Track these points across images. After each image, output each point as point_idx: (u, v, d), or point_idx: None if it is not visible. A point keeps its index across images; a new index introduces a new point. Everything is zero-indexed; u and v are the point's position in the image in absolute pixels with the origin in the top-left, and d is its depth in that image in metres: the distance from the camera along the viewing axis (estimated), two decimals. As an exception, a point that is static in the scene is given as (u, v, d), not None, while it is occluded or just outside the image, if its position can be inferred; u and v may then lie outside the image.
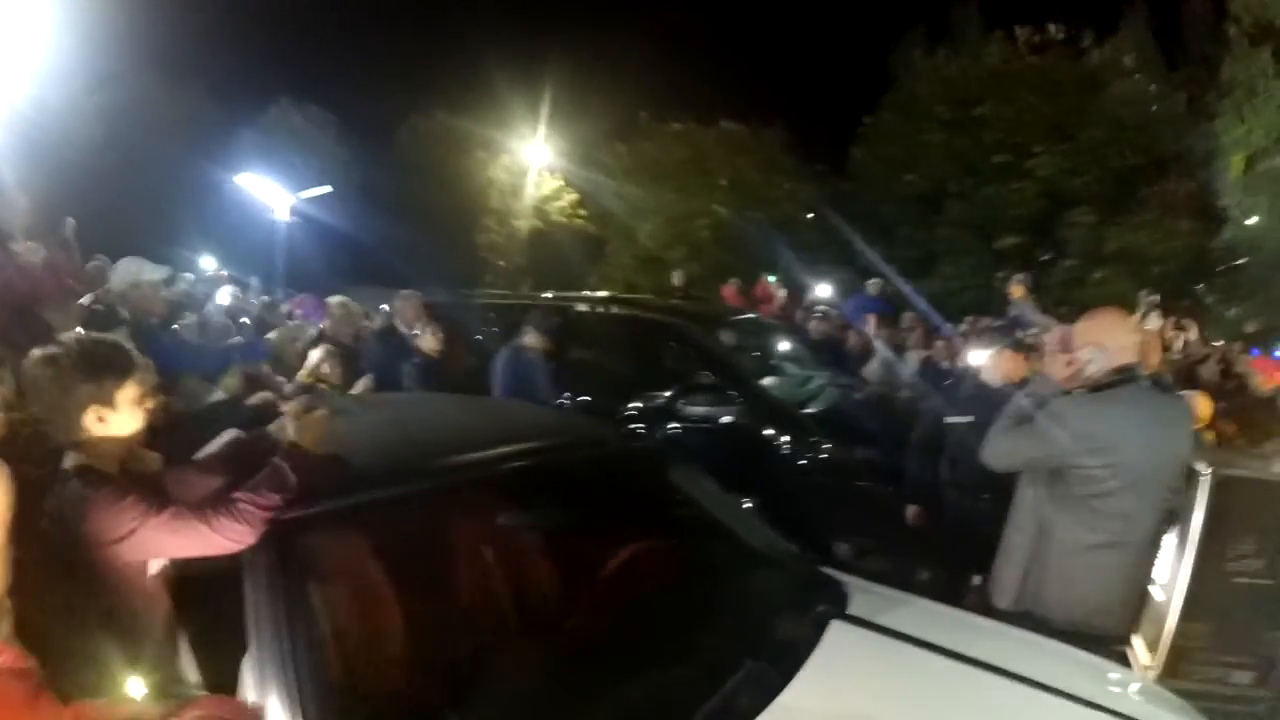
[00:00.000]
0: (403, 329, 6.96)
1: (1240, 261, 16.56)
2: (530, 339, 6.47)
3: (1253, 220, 16.50)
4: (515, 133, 25.58)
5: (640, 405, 6.53)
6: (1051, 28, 21.69)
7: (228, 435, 2.77)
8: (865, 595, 3.13)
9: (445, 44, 27.50)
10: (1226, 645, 3.98)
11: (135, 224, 19.57)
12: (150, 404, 2.37)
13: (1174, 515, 3.62)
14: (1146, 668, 3.84)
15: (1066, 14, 21.46)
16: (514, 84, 24.96)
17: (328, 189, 22.91)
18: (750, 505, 5.71)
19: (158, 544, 2.21)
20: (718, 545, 3.42)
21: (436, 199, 28.51)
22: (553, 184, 27.45)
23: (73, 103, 19.95)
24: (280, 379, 6.05)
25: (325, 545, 2.67)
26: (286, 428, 2.54)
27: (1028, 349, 4.70)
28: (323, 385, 6.04)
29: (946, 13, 23.49)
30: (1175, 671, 3.93)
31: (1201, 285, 16.30)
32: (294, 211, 22.17)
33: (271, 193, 21.99)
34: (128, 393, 2.29)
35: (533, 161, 26.20)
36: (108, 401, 2.25)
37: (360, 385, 5.94)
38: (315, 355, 6.13)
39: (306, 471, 2.42)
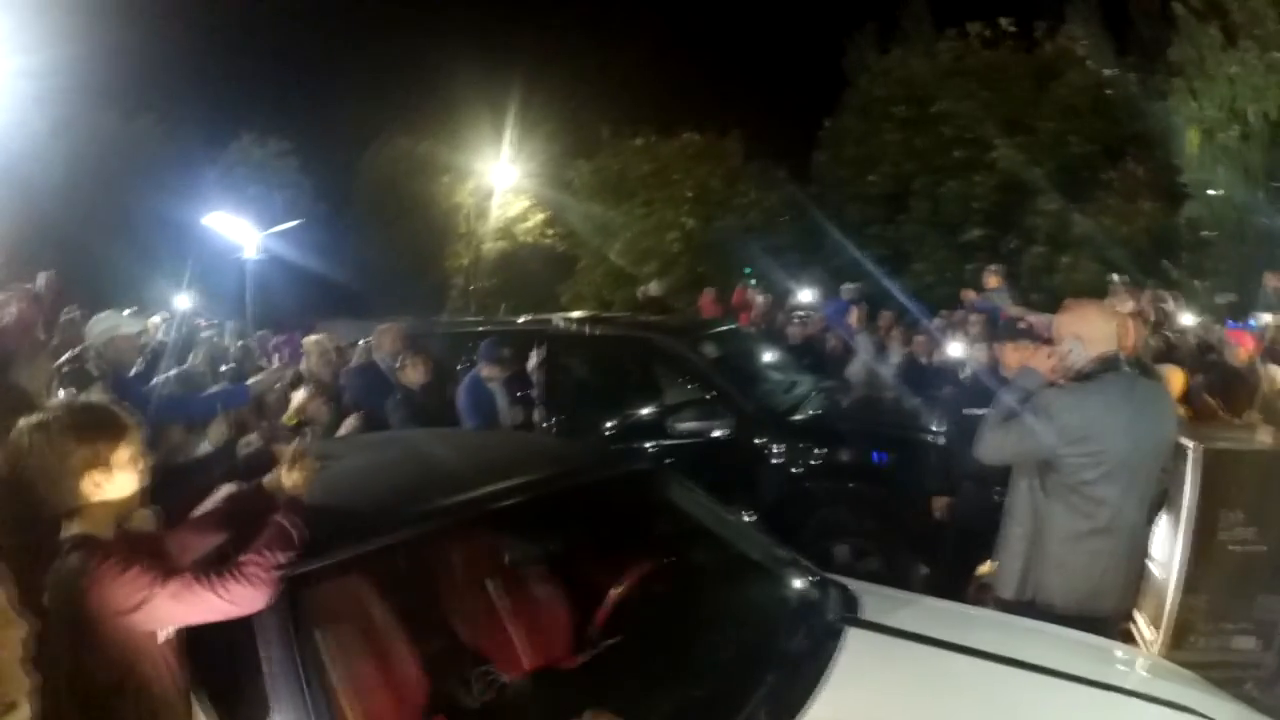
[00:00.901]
0: (382, 362, 6.91)
1: (1205, 234, 16.76)
2: (485, 370, 6.47)
3: (1211, 193, 16.73)
4: (480, 155, 25.50)
5: (628, 424, 6.52)
6: (1002, 21, 21.91)
7: (224, 491, 2.70)
8: (874, 598, 3.16)
9: (405, 69, 27.56)
10: (1227, 614, 4.05)
11: (101, 269, 19.46)
12: (143, 464, 2.32)
13: (1165, 493, 3.69)
14: (1150, 643, 3.89)
15: (1016, 6, 21.70)
16: (476, 106, 24.95)
17: (297, 222, 22.76)
18: (751, 518, 5.77)
19: (168, 613, 2.14)
20: (724, 561, 3.43)
21: (404, 226, 28.48)
22: (520, 204, 27.43)
23: (34, 148, 19.75)
24: (265, 423, 6.03)
25: (336, 597, 2.66)
26: (280, 479, 2.51)
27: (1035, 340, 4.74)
28: (309, 427, 6.04)
29: (896, 12, 23.71)
30: (1179, 644, 3.99)
31: (1168, 262, 16.44)
32: (262, 248, 22.02)
33: (238, 230, 21.84)
34: (122, 454, 2.23)
35: (499, 183, 26.16)
36: (104, 465, 2.19)
37: (347, 425, 5.91)
38: (299, 396, 6.10)
39: (310, 524, 2.38)
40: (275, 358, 9.82)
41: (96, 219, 22.33)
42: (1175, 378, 4.91)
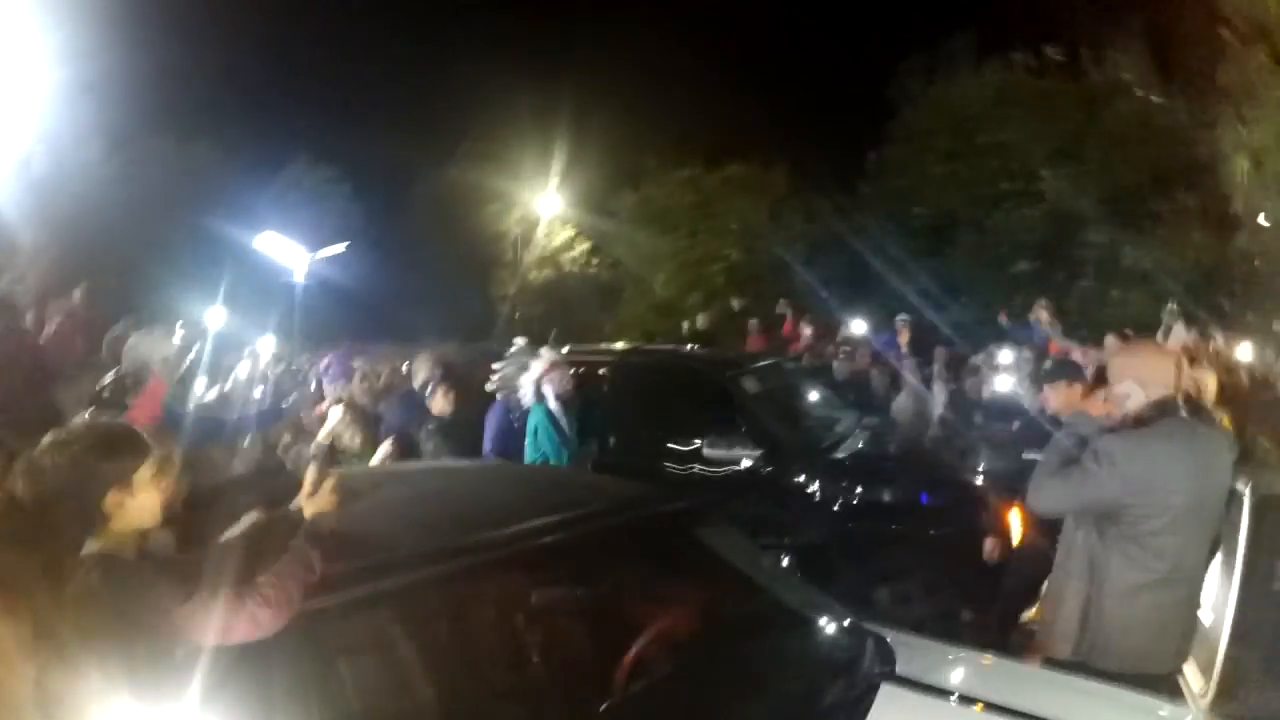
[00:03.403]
0: (419, 389, 6.90)
1: (1257, 264, 16.44)
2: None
3: (1263, 222, 16.43)
4: (527, 184, 25.64)
5: (667, 458, 6.45)
6: (1048, 50, 21.69)
7: (249, 518, 2.66)
8: (913, 651, 3.02)
9: (456, 98, 27.57)
10: None
11: (153, 288, 19.71)
12: (167, 483, 2.32)
13: (1218, 540, 3.53)
14: (1199, 695, 3.73)
15: (1062, 35, 21.45)
16: (523, 135, 25.03)
17: (344, 245, 22.97)
18: (787, 561, 5.67)
19: (182, 633, 2.13)
20: (758, 608, 3.31)
21: (451, 252, 28.62)
22: (566, 233, 27.53)
23: (89, 166, 20.13)
24: (296, 447, 6.05)
25: (357, 633, 2.60)
26: (303, 505, 2.49)
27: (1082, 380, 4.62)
28: (342, 449, 6.04)
29: (942, 43, 23.57)
30: (1230, 696, 3.81)
31: (1220, 295, 16.10)
32: (311, 271, 22.27)
33: (289, 253, 22.11)
34: (144, 474, 2.25)
35: (545, 212, 26.27)
36: (126, 485, 2.21)
37: (382, 451, 5.90)
38: (333, 417, 6.11)
39: (330, 554, 2.35)
40: (322, 379, 9.83)
41: (148, 240, 22.66)
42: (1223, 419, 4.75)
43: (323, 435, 6.09)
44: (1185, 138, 18.34)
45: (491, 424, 6.23)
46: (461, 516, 3.09)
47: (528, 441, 5.89)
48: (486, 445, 6.18)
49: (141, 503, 2.25)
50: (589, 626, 3.20)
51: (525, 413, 6.05)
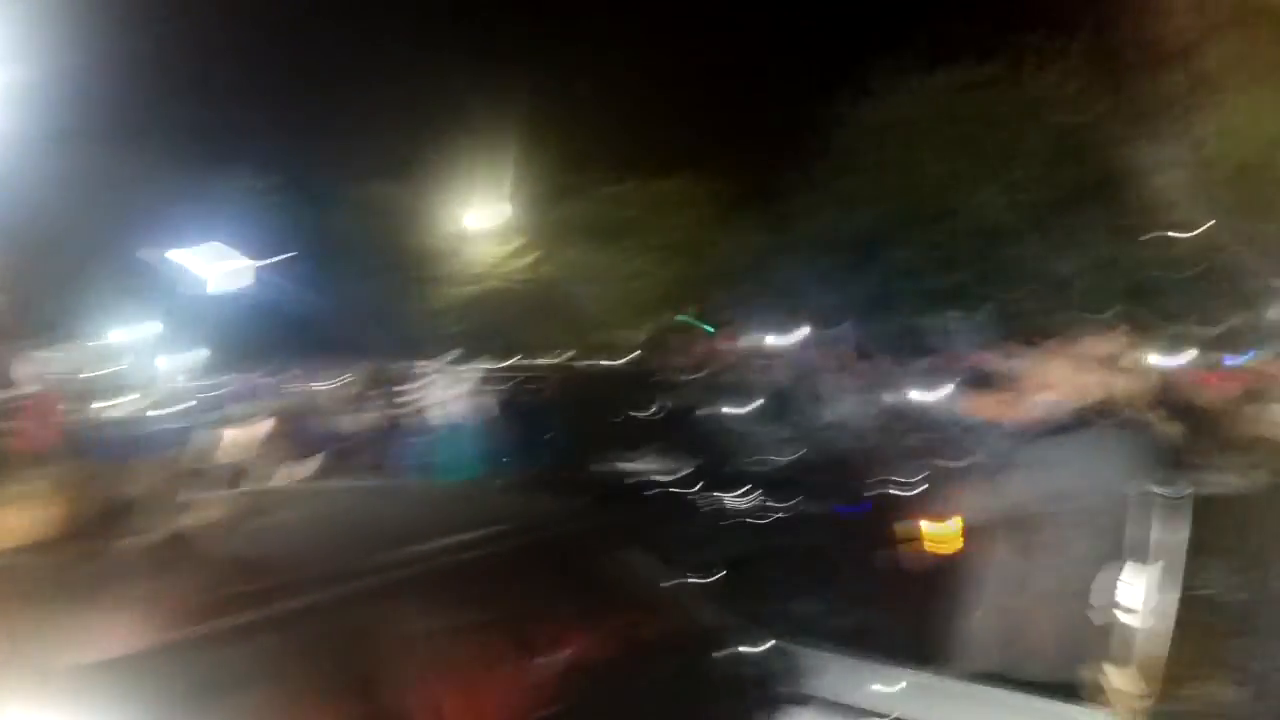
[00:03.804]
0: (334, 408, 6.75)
1: (1173, 277, 16.95)
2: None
3: (1179, 236, 16.98)
4: (465, 196, 25.49)
5: (593, 471, 6.33)
6: (979, 69, 22.09)
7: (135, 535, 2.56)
8: (828, 667, 2.93)
9: (393, 110, 27.26)
10: (1210, 663, 3.92)
11: (83, 298, 19.11)
12: (43, 502, 2.24)
13: (1137, 543, 3.50)
14: (1129, 695, 3.71)
15: (995, 52, 21.87)
16: (461, 149, 24.88)
17: (273, 259, 22.52)
18: (704, 579, 5.57)
19: (56, 648, 1.99)
20: (667, 629, 3.19)
21: (389, 265, 28.19)
22: (501, 248, 27.34)
23: (22, 170, 19.40)
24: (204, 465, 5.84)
25: (245, 660, 2.44)
26: (191, 521, 2.37)
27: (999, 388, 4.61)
28: (252, 468, 5.85)
29: (873, 61, 23.89)
30: (1162, 695, 3.83)
31: (1152, 302, 16.53)
32: (239, 284, 21.77)
33: (212, 265, 21.59)
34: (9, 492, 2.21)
35: (481, 225, 26.10)
36: None
37: (305, 468, 5.74)
38: (249, 434, 5.94)
39: (218, 577, 2.24)
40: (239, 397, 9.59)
41: (80, 245, 21.93)
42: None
43: (228, 453, 5.88)
44: (1107, 153, 18.81)
45: (408, 442, 6.10)
46: (360, 537, 2.96)
47: (440, 460, 5.72)
48: (403, 463, 6.03)
49: (7, 521, 2.17)
50: (492, 652, 3.06)
51: (439, 431, 5.91)
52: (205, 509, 2.47)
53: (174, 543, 2.29)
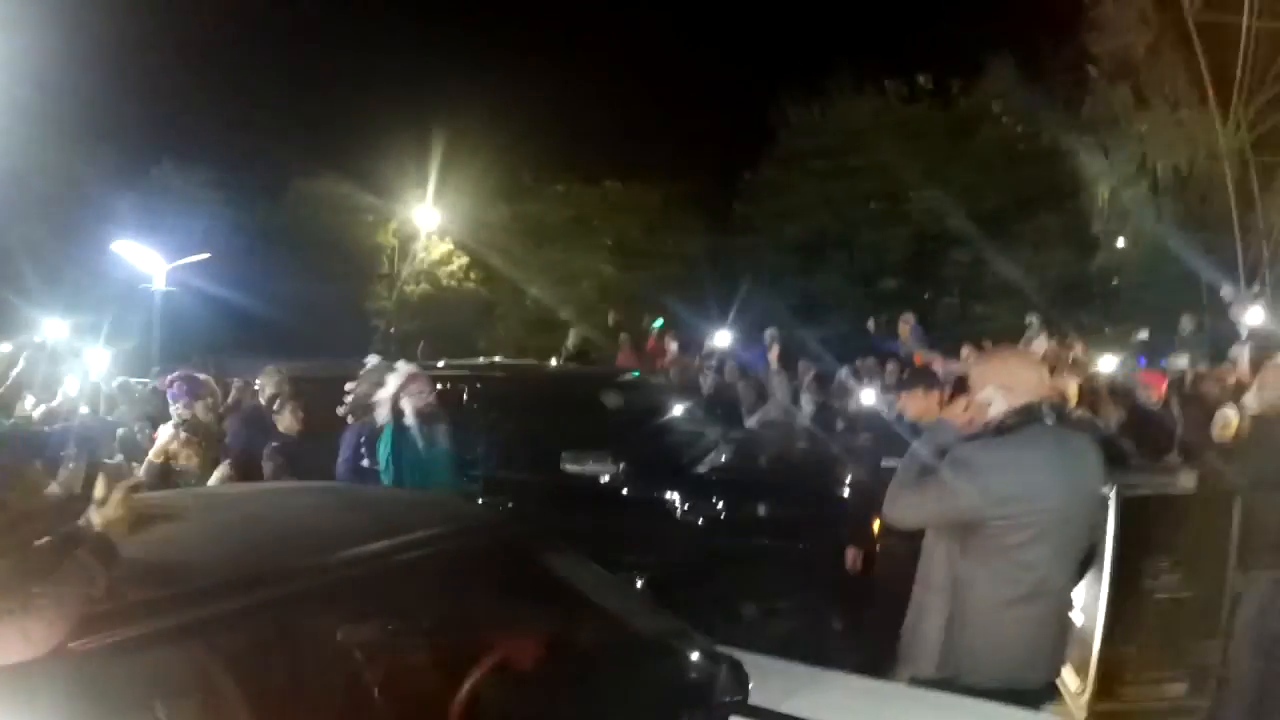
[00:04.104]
0: (265, 407, 6.53)
1: (1115, 283, 17.33)
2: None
3: (1121, 245, 17.35)
4: (404, 196, 25.17)
5: (528, 473, 6.18)
6: (920, 79, 22.38)
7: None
8: (770, 676, 2.79)
9: (332, 106, 26.88)
10: (1155, 661, 3.93)
11: (14, 292, 18.42)
12: None
13: (1095, 549, 3.41)
14: (1077, 694, 3.69)
15: (934, 64, 22.19)
16: (401, 146, 24.62)
17: (206, 255, 21.99)
18: (641, 581, 5.46)
19: None
20: (601, 636, 3.06)
21: (325, 264, 27.68)
22: (443, 248, 27.05)
23: None
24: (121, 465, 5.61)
25: (154, 669, 2.27)
26: (92, 516, 2.20)
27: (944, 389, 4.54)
28: (179, 470, 5.62)
29: (821, 70, 24.09)
30: (1107, 694, 3.83)
31: (1082, 309, 16.86)
32: (174, 279, 21.20)
33: (151, 260, 21.01)
34: None
35: (422, 225, 25.80)
36: None
37: (219, 473, 5.52)
38: (163, 434, 5.72)
39: (127, 582, 2.07)
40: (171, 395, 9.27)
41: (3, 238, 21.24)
42: (1071, 387, 4.76)
43: (154, 454, 5.66)
44: (1049, 164, 19.17)
45: (346, 445, 5.88)
46: (282, 541, 2.79)
47: (381, 464, 5.44)
48: (340, 469, 5.81)
49: None
50: (419, 660, 2.92)
51: (378, 433, 5.71)
52: (125, 510, 2.28)
53: (86, 546, 2.10)
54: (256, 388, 7.44)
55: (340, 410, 6.03)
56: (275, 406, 6.14)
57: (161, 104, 27.38)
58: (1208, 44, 15.80)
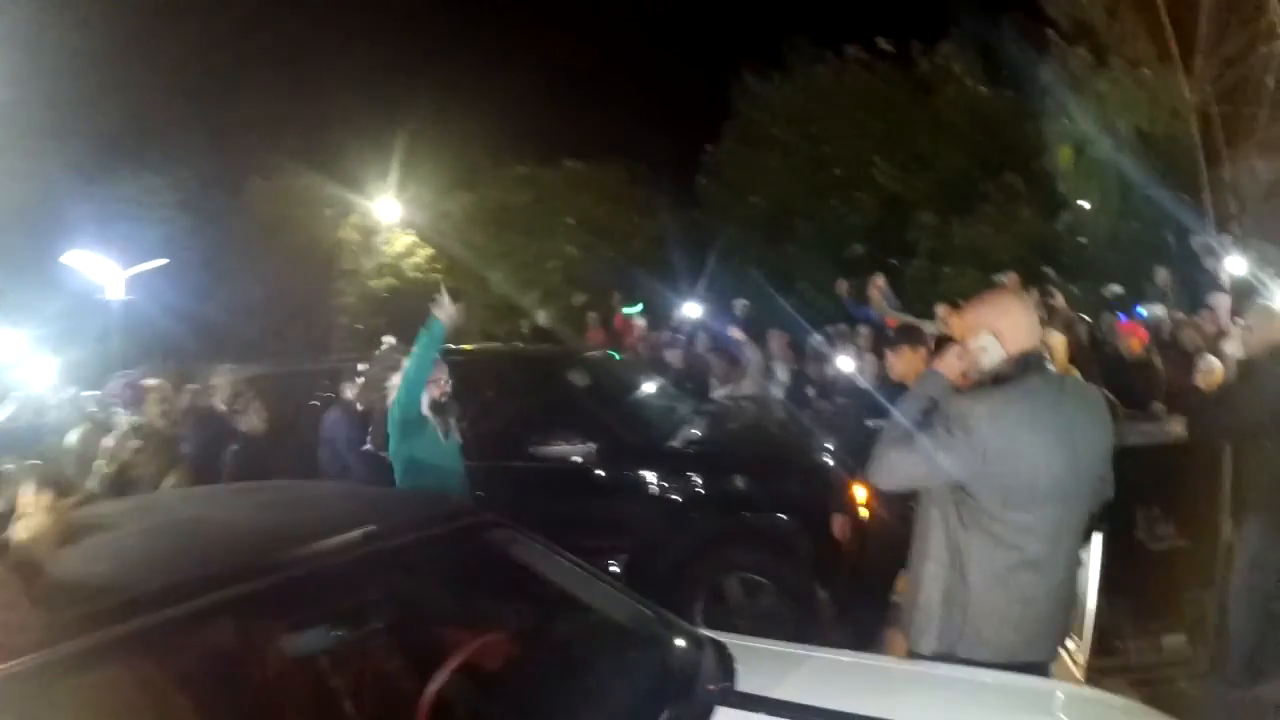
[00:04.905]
0: (222, 409, 6.33)
1: (1080, 240, 17.42)
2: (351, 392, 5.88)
3: (1085, 204, 17.45)
4: (363, 188, 24.81)
5: (498, 457, 5.99)
6: (879, 41, 22.32)
7: None
8: (757, 661, 2.63)
9: (285, 103, 26.41)
10: (1153, 613, 3.85)
11: None
12: None
13: (1107, 508, 3.18)
14: (1074, 652, 3.58)
15: (894, 29, 22.14)
16: (358, 138, 24.18)
17: (163, 261, 21.60)
18: (619, 565, 5.32)
19: None
20: (574, 626, 2.90)
21: (287, 263, 27.35)
22: (405, 239, 26.75)
23: None
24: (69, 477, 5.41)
25: (83, 690, 2.09)
26: (18, 529, 2.06)
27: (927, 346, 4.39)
28: (135, 477, 5.44)
29: (780, 38, 23.97)
30: (1105, 650, 3.76)
31: (1047, 268, 16.93)
32: (131, 287, 20.83)
33: (106, 269, 20.63)
34: None
35: (383, 218, 25.49)
36: None
37: (173, 478, 5.33)
38: (114, 442, 5.52)
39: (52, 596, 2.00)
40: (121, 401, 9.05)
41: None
42: (1058, 344, 4.65)
43: (106, 462, 5.45)
44: (1012, 126, 19.22)
45: (336, 438, 5.64)
46: (223, 544, 2.62)
47: (394, 453, 4.79)
48: (341, 453, 5.58)
49: None
50: (379, 663, 2.74)
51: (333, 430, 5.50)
52: (52, 524, 2.11)
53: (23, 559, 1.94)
54: (212, 388, 7.25)
55: (349, 393, 5.79)
56: (238, 407, 5.95)
57: (113, 111, 26.81)
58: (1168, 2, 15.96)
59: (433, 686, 2.53)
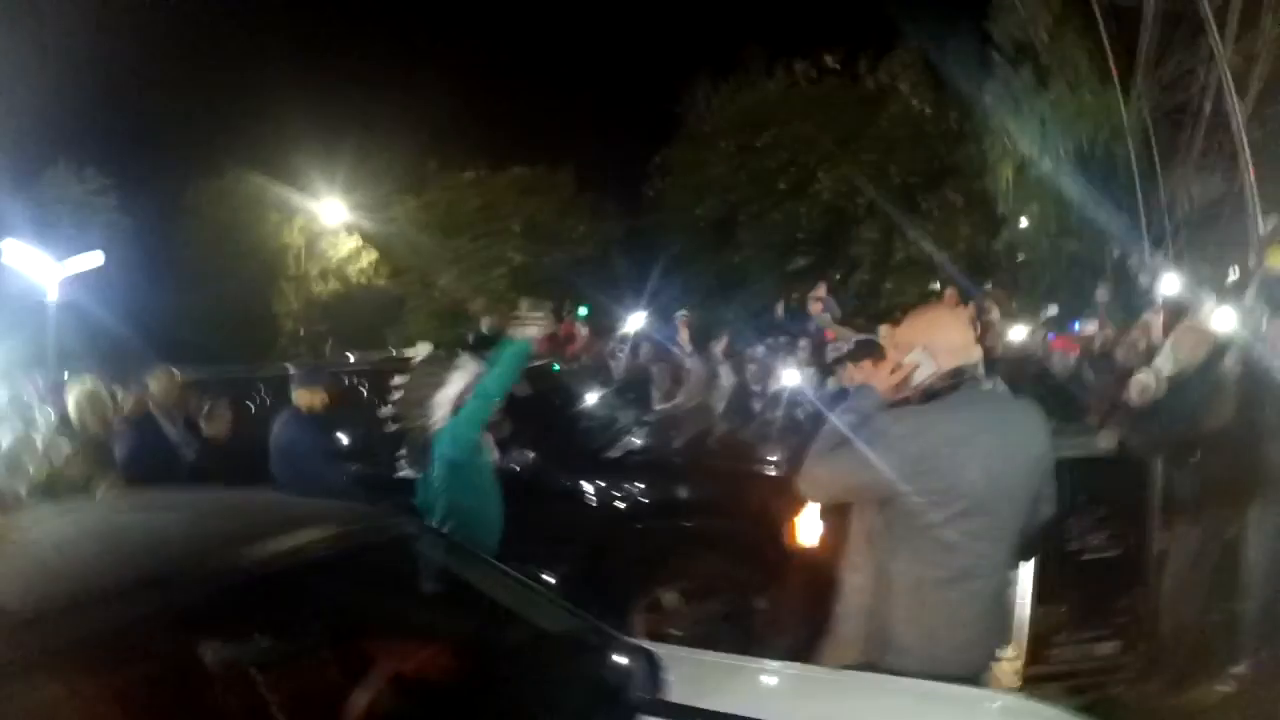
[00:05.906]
0: (158, 413, 6.21)
1: (1020, 258, 17.75)
2: (301, 397, 5.75)
3: (1024, 223, 17.81)
4: (309, 192, 24.47)
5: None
6: (827, 57, 22.56)
7: None
8: (686, 670, 2.61)
9: (230, 104, 26.02)
10: (1085, 621, 3.92)
11: None
12: None
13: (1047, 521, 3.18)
14: (1010, 659, 3.64)
15: (842, 43, 22.40)
16: (303, 141, 23.79)
17: (98, 256, 21.07)
18: (555, 575, 5.26)
19: None
20: (499, 634, 2.86)
21: (230, 267, 26.88)
22: (350, 244, 26.45)
23: None
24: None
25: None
26: None
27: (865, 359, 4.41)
28: (66, 483, 5.31)
29: (731, 51, 24.13)
30: (1039, 658, 3.83)
31: (987, 284, 17.25)
32: (68, 287, 20.32)
33: (43, 267, 20.10)
34: None
35: (328, 221, 25.18)
36: None
37: (106, 483, 5.21)
38: (45, 446, 5.39)
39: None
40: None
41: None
42: None
43: (35, 467, 5.32)
44: (954, 142, 19.55)
45: (295, 446, 5.49)
46: (169, 552, 2.53)
47: (442, 482, 4.16)
48: (323, 473, 5.45)
49: None
50: (305, 673, 2.69)
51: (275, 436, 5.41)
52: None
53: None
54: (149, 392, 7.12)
55: (383, 412, 5.41)
56: (203, 411, 5.87)
57: (51, 105, 26.22)
58: (1109, 25, 16.36)
59: (359, 698, 2.49)
